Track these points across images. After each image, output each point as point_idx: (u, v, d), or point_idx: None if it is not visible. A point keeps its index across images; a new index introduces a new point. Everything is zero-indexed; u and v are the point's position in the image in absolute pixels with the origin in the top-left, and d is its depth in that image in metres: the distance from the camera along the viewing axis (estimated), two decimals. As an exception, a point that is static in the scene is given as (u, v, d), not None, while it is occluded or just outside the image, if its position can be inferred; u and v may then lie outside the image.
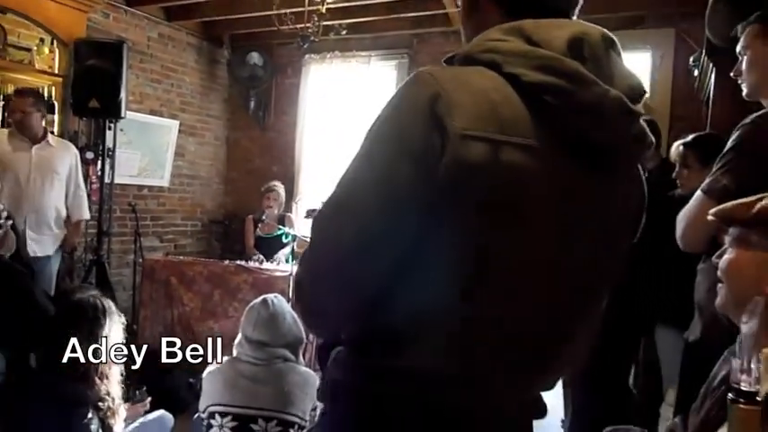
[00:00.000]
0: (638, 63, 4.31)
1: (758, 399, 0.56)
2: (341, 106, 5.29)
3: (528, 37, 0.78)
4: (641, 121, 0.82)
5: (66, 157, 3.78)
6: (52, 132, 4.32)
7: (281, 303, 2.32)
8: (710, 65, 2.70)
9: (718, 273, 1.10)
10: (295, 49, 5.39)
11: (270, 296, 2.32)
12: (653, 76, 4.23)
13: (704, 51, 2.80)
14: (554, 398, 2.87)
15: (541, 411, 0.92)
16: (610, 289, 0.90)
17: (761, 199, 1.02)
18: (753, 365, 0.55)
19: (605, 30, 0.83)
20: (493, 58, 0.78)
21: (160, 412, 2.40)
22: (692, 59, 3.38)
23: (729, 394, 0.57)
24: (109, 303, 2.05)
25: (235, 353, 2.25)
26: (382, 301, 0.80)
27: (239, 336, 2.26)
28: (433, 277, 0.76)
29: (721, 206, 1.10)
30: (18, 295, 1.51)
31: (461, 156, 0.72)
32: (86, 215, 3.96)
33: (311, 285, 0.82)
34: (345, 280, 0.78)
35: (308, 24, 4.25)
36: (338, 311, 0.83)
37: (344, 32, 4.70)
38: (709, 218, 1.13)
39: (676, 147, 2.50)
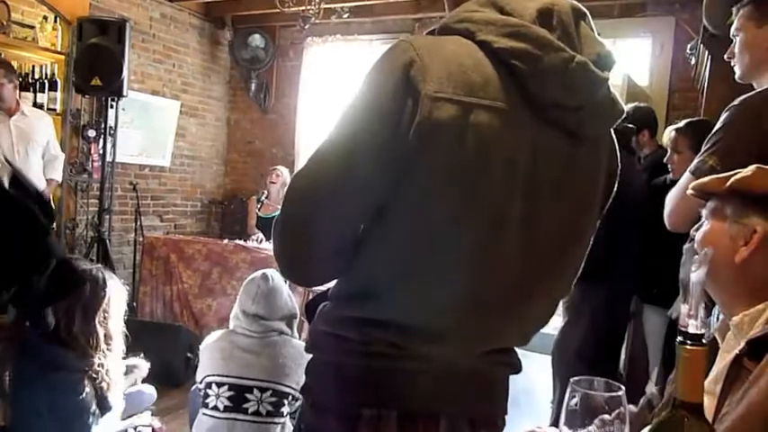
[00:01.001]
0: (638, 51, 4.33)
1: (704, 341, 0.61)
2: (341, 90, 5.32)
3: (501, 8, 0.84)
4: (610, 88, 0.86)
5: (44, 126, 3.86)
6: (52, 109, 4.37)
7: (279, 278, 2.38)
8: (707, 52, 2.73)
9: (695, 245, 1.15)
10: (297, 31, 5.41)
11: (269, 271, 2.38)
12: (652, 65, 4.26)
13: (701, 39, 2.83)
14: (545, 381, 2.92)
15: (516, 368, 0.97)
16: (580, 251, 0.95)
17: (737, 174, 1.06)
18: (700, 311, 0.60)
19: (577, 3, 0.87)
20: (467, 27, 0.84)
21: (142, 386, 2.45)
22: (689, 47, 3.41)
23: (678, 337, 0.62)
24: (111, 276, 2.09)
25: (231, 326, 2.31)
26: (360, 256, 0.86)
27: (236, 309, 2.31)
28: (403, 234, 0.82)
29: (699, 180, 1.14)
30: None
31: (432, 116, 0.77)
32: (59, 177, 4.06)
33: (285, 234, 0.87)
34: (315, 228, 0.83)
35: (309, 6, 4.27)
36: (308, 259, 0.88)
37: (346, 16, 4.72)
38: (689, 192, 1.17)
39: (668, 132, 2.54)
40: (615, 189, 0.98)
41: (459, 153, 0.78)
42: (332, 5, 4.51)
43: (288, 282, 3.31)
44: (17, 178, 1.39)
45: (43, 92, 4.39)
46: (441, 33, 0.87)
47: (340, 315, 0.89)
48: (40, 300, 1.68)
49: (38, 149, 3.76)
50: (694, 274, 0.62)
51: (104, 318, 1.98)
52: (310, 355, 0.94)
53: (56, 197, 4.27)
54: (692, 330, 0.61)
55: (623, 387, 0.77)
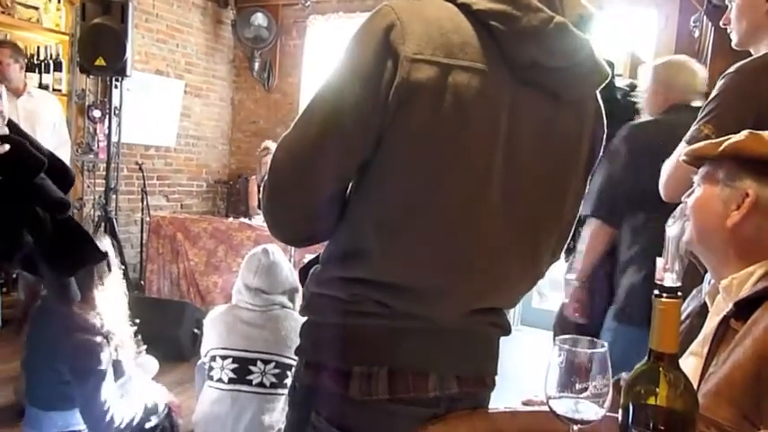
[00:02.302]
0: (644, 23, 4.28)
1: (678, 294, 0.63)
2: (329, 68, 5.29)
3: None
4: (593, 50, 0.87)
5: (51, 108, 3.85)
6: (57, 90, 4.39)
7: (280, 253, 2.41)
8: (710, 24, 2.71)
9: (686, 210, 1.16)
10: (299, 9, 5.39)
11: (269, 246, 2.41)
12: (657, 38, 4.21)
13: (704, 11, 2.80)
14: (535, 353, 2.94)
15: (505, 329, 0.99)
16: (561, 212, 0.96)
17: (729, 138, 1.07)
18: (675, 265, 0.62)
19: None
20: None
21: (145, 357, 2.49)
22: (692, 20, 3.37)
23: (654, 291, 0.64)
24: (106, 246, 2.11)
25: (234, 300, 2.35)
26: (346, 217, 0.88)
27: (238, 283, 2.35)
28: (386, 195, 0.85)
29: (692, 146, 1.15)
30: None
31: (411, 77, 0.79)
32: (66, 161, 4.04)
33: (272, 194, 0.90)
34: (300, 188, 0.86)
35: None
36: (294, 219, 0.90)
37: (349, -7, 4.69)
38: (681, 158, 1.17)
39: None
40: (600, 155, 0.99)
41: (438, 113, 0.80)
42: (334, -18, 4.48)
43: (292, 258, 3.35)
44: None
45: (48, 72, 4.40)
46: None
47: (329, 276, 0.91)
48: (63, 268, 1.70)
49: (45, 131, 3.76)
50: (670, 228, 0.64)
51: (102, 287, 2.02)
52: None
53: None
54: (667, 283, 0.63)
55: (606, 344, 0.79)
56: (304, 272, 1.00)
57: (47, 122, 3.78)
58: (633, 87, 2.97)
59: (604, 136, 0.97)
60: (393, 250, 0.85)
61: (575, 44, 0.84)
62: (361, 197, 0.87)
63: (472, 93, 0.81)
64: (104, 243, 2.05)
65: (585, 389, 0.79)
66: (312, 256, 1.01)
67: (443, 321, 0.90)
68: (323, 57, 5.44)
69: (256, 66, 5.74)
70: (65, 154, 3.98)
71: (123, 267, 2.20)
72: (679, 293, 0.63)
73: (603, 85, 0.91)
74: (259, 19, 5.55)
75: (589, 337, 0.82)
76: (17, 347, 2.28)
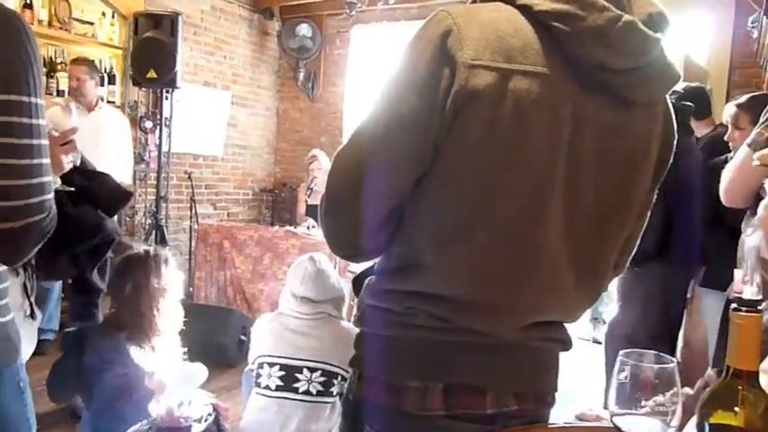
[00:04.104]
0: (698, 26, 4.14)
1: (759, 308, 0.59)
2: (384, 78, 5.31)
3: None
4: (663, 50, 0.82)
5: (119, 125, 3.97)
6: (111, 102, 4.55)
7: (327, 261, 2.42)
8: (770, 24, 2.59)
9: (759, 219, 1.10)
10: (343, 19, 5.44)
11: (316, 254, 2.42)
12: (711, 41, 4.06)
13: (763, 11, 2.69)
14: (597, 368, 2.87)
15: (566, 344, 0.95)
16: (626, 221, 0.92)
17: None
18: (756, 277, 0.58)
19: None
20: None
21: (193, 365, 2.53)
22: (750, 20, 3.24)
23: (732, 304, 0.60)
24: (166, 256, 2.16)
25: (281, 308, 2.36)
26: (403, 228, 0.86)
27: (285, 291, 2.36)
28: (443, 206, 0.82)
29: (766, 150, 1.09)
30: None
31: (469, 84, 0.77)
32: (128, 180, 4.14)
33: (329, 209, 0.88)
34: (357, 202, 0.84)
35: (355, -7, 4.28)
36: (352, 233, 0.88)
37: (392, 2, 4.71)
38: (755, 163, 1.12)
39: (729, 108, 2.43)
40: (670, 164, 0.94)
41: (498, 121, 0.78)
42: (378, -8, 4.50)
43: (337, 266, 3.36)
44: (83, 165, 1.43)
45: (103, 85, 4.57)
46: (483, 0, 0.86)
47: (384, 288, 0.90)
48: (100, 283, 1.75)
49: (111, 146, 3.87)
50: (750, 238, 0.60)
51: (161, 296, 2.06)
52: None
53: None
54: (746, 296, 0.59)
55: (675, 360, 0.75)
56: (358, 282, 0.98)
57: (114, 138, 3.88)
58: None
59: (675, 142, 0.92)
60: (449, 263, 0.83)
61: (644, 44, 0.80)
62: (416, 208, 0.85)
63: (533, 98, 0.78)
64: (163, 251, 2.11)
65: (651, 405, 0.75)
66: (358, 266, 1.00)
67: (501, 336, 0.86)
68: (366, 66, 5.47)
69: (301, 76, 5.82)
70: (126, 168, 4.09)
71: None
72: (759, 307, 0.59)
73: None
74: (304, 29, 5.63)
75: (654, 352, 0.78)
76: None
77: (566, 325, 0.96)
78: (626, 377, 0.76)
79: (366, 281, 0.95)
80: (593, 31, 0.78)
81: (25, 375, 0.99)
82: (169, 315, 2.09)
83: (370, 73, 5.43)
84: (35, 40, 0.87)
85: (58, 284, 3.66)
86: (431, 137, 0.79)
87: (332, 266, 2.48)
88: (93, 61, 4.03)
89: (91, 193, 1.11)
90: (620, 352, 0.79)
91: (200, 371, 2.44)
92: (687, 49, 3.81)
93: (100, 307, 1.47)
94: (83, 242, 0.95)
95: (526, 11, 0.80)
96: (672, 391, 0.74)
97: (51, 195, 0.89)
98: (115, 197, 1.18)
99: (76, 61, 3.89)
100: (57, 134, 1.12)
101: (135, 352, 1.95)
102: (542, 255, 0.84)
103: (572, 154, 0.81)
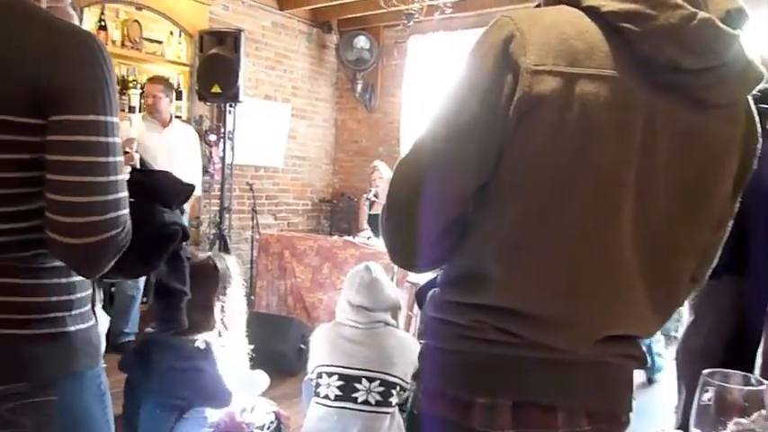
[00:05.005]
0: (759, 24, 3.91)
1: None
2: (445, 86, 5.29)
3: None
4: (743, 48, 0.77)
5: (190, 141, 4.15)
6: (178, 117, 4.74)
7: (381, 270, 2.42)
8: None
9: None
10: (400, 30, 5.47)
11: (371, 263, 2.43)
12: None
13: None
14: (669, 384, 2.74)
15: (640, 360, 0.90)
16: (704, 231, 0.87)
17: None
18: None
19: None
20: None
21: (255, 372, 2.56)
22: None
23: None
24: (231, 264, 2.21)
25: (337, 317, 2.37)
26: (466, 239, 0.84)
27: (341, 300, 2.37)
28: (507, 216, 0.80)
29: None
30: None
31: (533, 91, 0.74)
32: (198, 192, 4.31)
33: (390, 220, 0.87)
34: (418, 213, 0.82)
35: (413, 4, 4.30)
36: (413, 244, 0.86)
37: (449, 11, 4.70)
38: None
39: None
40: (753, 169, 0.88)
41: (564, 128, 0.75)
42: (435, 2, 4.50)
43: (395, 276, 3.36)
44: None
45: (171, 101, 4.77)
46: (547, 4, 0.84)
47: (446, 300, 0.88)
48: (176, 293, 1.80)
49: (182, 163, 4.04)
50: None
51: (224, 302, 2.10)
52: (416, 345, 0.94)
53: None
54: None
55: (766, 382, 0.70)
56: (421, 294, 0.97)
57: (185, 154, 4.05)
58: (765, 93, 2.71)
59: (759, 146, 0.86)
60: (515, 275, 0.80)
61: (722, 42, 0.75)
62: (479, 218, 0.83)
63: (601, 102, 0.75)
64: (228, 259, 2.16)
65: (734, 429, 0.70)
66: (418, 276, 0.98)
67: (574, 351, 0.82)
68: (424, 76, 5.47)
69: (358, 87, 5.89)
70: (197, 182, 4.24)
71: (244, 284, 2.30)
72: None
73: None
74: (361, 42, 5.71)
75: (742, 372, 0.73)
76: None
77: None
78: (710, 399, 0.71)
79: (429, 293, 0.93)
80: (665, 30, 0.74)
81: (105, 379, 1.03)
82: (234, 321, 2.13)
83: (428, 83, 5.44)
84: (111, 60, 0.90)
85: (140, 291, 3.87)
86: (493, 144, 0.77)
87: (387, 276, 2.48)
88: (168, 79, 4.24)
89: (149, 187, 1.13)
90: (703, 372, 0.74)
91: (262, 378, 2.49)
92: (763, 49, 3.60)
93: (184, 311, 1.51)
94: (141, 234, 0.96)
95: (593, 12, 0.77)
96: (761, 413, 0.69)
97: (126, 211, 0.91)
98: (176, 190, 1.20)
99: (153, 79, 4.09)
100: None
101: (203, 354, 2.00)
102: (613, 265, 0.80)
103: (644, 159, 0.78)
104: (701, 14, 0.74)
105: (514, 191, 0.79)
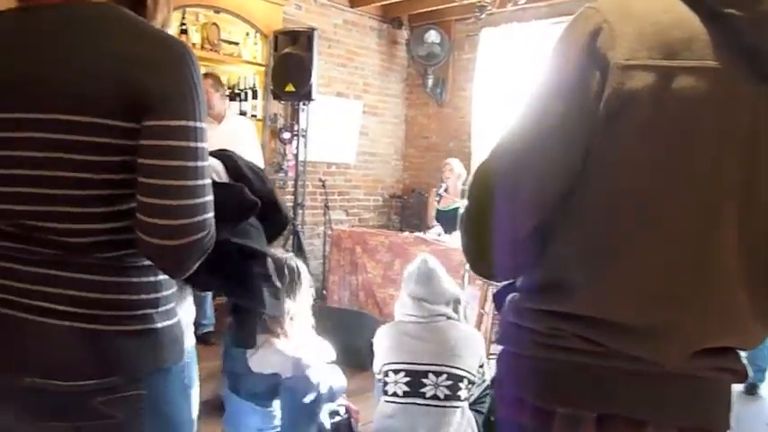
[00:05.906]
0: None
1: None
2: (518, 78, 5.17)
3: None
4: None
5: (247, 133, 4.20)
6: (254, 116, 4.88)
7: (437, 263, 2.40)
8: None
9: None
10: (472, 23, 5.39)
11: (427, 255, 2.42)
12: None
13: None
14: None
15: (739, 375, 0.83)
16: None
17: None
18: None
19: None
20: None
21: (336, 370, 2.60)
22: None
23: None
24: (302, 267, 2.27)
25: (397, 316, 2.38)
26: (548, 245, 0.80)
27: (402, 296, 2.37)
28: (593, 221, 0.75)
29: None
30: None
31: (624, 88, 0.69)
32: None
33: (470, 225, 0.85)
34: (499, 218, 0.79)
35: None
36: (494, 249, 0.83)
37: (522, 1, 4.58)
38: None
39: None
40: None
41: (660, 124, 0.70)
42: (507, -7, 4.40)
43: (467, 273, 3.31)
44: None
45: (247, 100, 4.93)
46: None
47: (526, 306, 0.85)
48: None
49: (244, 150, 4.15)
50: None
51: (296, 301, 2.16)
52: (480, 338, 0.92)
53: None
54: None
55: None
56: (498, 297, 0.94)
57: (244, 144, 4.13)
58: None
59: None
60: (602, 282, 0.76)
61: None
62: (564, 222, 0.78)
63: (701, 97, 0.69)
64: (296, 260, 2.22)
65: None
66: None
67: (666, 364, 0.77)
68: (496, 69, 5.36)
69: (429, 82, 5.86)
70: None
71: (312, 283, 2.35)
72: None
73: None
74: (432, 36, 5.66)
75: None
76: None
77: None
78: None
79: (509, 297, 0.91)
80: None
81: (190, 373, 1.06)
82: (301, 322, 2.19)
83: (500, 76, 5.32)
84: (198, 64, 0.92)
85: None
86: (579, 148, 0.73)
87: (443, 269, 2.44)
88: (217, 75, 4.30)
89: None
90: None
91: (340, 378, 2.52)
92: None
93: (255, 330, 1.57)
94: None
95: None
96: None
97: (212, 214, 0.92)
98: (231, 206, 1.13)
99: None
100: None
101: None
102: (713, 272, 0.75)
103: (750, 157, 0.71)
104: None
105: (603, 196, 0.74)
